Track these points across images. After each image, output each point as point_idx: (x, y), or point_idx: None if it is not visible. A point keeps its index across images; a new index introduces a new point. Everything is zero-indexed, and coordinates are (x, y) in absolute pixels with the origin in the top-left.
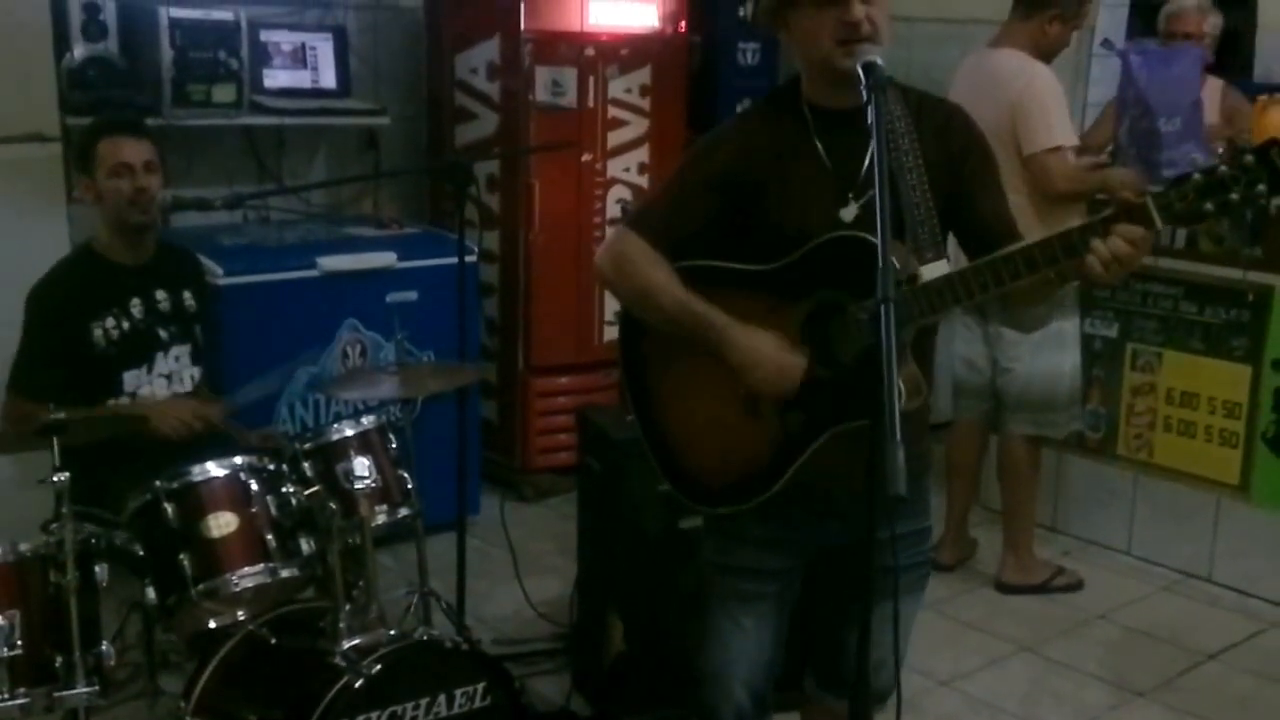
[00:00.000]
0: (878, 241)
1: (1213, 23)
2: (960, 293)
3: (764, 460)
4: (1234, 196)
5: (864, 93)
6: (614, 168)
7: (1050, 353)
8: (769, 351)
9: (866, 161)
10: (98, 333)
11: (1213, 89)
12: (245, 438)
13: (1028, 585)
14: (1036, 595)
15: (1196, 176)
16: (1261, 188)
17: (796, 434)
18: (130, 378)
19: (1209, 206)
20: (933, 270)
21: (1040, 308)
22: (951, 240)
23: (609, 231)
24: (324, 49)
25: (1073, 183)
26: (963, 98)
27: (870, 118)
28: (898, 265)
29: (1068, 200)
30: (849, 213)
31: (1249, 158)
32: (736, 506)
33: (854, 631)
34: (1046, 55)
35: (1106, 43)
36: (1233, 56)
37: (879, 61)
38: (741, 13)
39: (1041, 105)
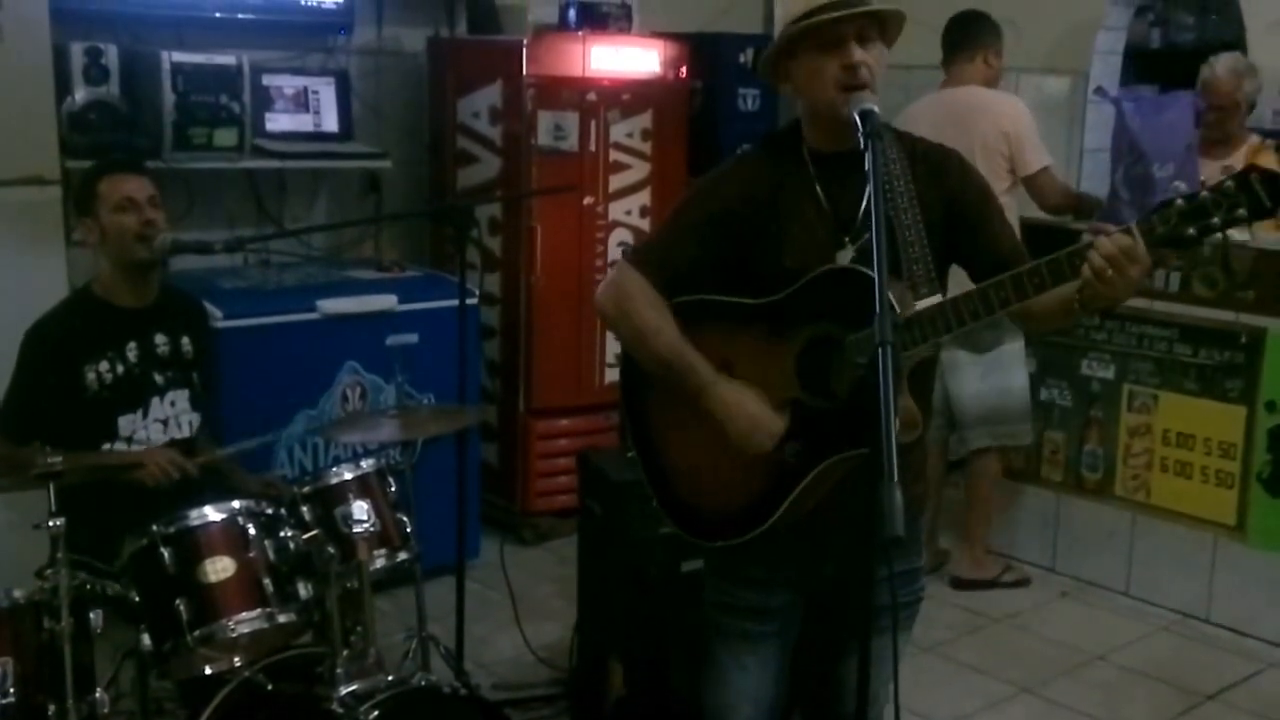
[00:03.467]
0: (875, 279)
1: (1248, 89)
2: (952, 320)
3: (761, 493)
4: (1215, 220)
5: (861, 140)
6: (615, 211)
7: (999, 373)
8: (750, 409)
9: (863, 204)
10: (90, 375)
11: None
12: (247, 483)
13: (979, 580)
14: (987, 590)
15: (1179, 201)
16: (1241, 212)
17: (793, 465)
18: (125, 422)
19: (1191, 231)
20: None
21: (989, 332)
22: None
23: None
24: (326, 93)
25: (1063, 196)
26: (933, 133)
27: (868, 164)
28: (895, 302)
29: (1058, 214)
30: (845, 255)
31: (1229, 183)
32: (734, 540)
33: (847, 668)
34: (993, 86)
35: (1100, 90)
36: None
37: (875, 109)
38: (742, 59)
39: (1032, 130)
